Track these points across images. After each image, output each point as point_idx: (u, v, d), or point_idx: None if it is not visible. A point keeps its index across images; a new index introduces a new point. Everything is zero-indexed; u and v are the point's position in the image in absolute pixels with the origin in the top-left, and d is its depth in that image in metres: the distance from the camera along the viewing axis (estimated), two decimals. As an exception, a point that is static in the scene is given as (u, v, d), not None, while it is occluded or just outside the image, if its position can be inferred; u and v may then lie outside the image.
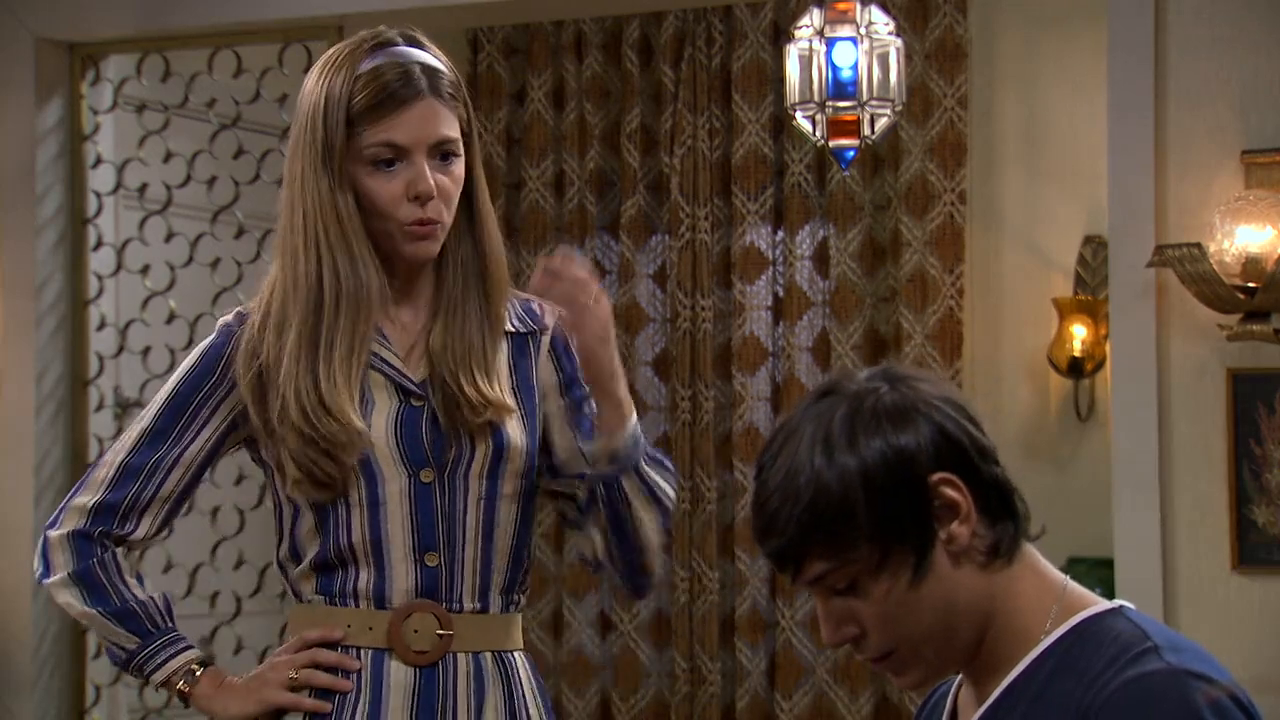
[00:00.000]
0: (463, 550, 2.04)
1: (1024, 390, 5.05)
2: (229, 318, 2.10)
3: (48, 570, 2.07)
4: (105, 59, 4.62)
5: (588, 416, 2.13)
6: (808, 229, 4.99)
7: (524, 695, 2.09)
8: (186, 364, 2.10)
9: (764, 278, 5.00)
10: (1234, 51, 3.74)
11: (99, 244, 4.62)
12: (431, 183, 2.01)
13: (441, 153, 2.03)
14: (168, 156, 4.63)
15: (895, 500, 1.49)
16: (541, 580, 4.99)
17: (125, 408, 4.65)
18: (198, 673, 2.06)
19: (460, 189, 2.05)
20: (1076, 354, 4.94)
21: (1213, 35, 3.76)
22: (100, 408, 4.59)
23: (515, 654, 2.10)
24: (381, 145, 2.01)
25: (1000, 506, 1.53)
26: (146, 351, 4.59)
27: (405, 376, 2.04)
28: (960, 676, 1.62)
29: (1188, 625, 3.70)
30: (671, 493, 2.12)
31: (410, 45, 2.06)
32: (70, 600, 2.06)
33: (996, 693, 1.53)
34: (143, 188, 4.69)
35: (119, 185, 4.69)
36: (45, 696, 4.43)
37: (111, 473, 2.07)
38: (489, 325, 2.06)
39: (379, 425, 2.02)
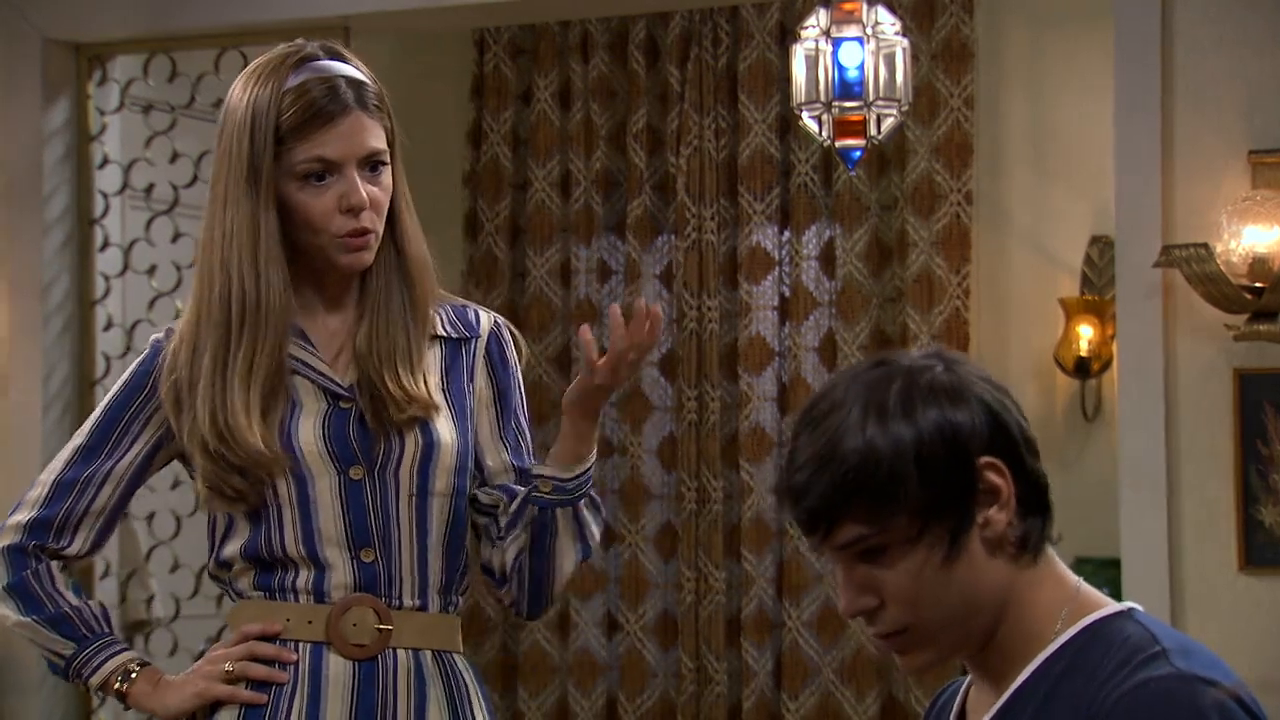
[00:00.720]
0: (398, 547, 2.06)
1: (1030, 390, 5.04)
2: (160, 334, 2.14)
3: None
4: (112, 59, 4.62)
5: (515, 432, 2.15)
6: (814, 229, 4.98)
7: (468, 696, 2.10)
8: (120, 381, 2.15)
9: (770, 278, 4.99)
10: (1241, 51, 3.73)
11: (105, 244, 4.63)
12: (364, 194, 2.04)
13: (371, 164, 2.06)
14: (174, 157, 4.64)
15: (943, 476, 1.49)
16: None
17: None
18: (134, 673, 2.08)
19: (389, 196, 2.08)
20: (1083, 354, 4.93)
21: (1219, 35, 3.75)
22: (107, 408, 4.60)
23: (456, 656, 2.11)
24: (312, 160, 2.03)
25: (1035, 501, 1.55)
26: (153, 352, 4.59)
27: (332, 381, 2.07)
28: (969, 678, 1.62)
29: (1194, 625, 3.70)
30: (598, 534, 2.14)
31: (332, 59, 2.09)
32: (6, 612, 2.10)
33: (1006, 696, 1.53)
34: (149, 188, 4.70)
35: (125, 185, 4.69)
36: (52, 697, 4.43)
37: (45, 490, 2.11)
38: (414, 325, 2.09)
39: (307, 428, 2.05)
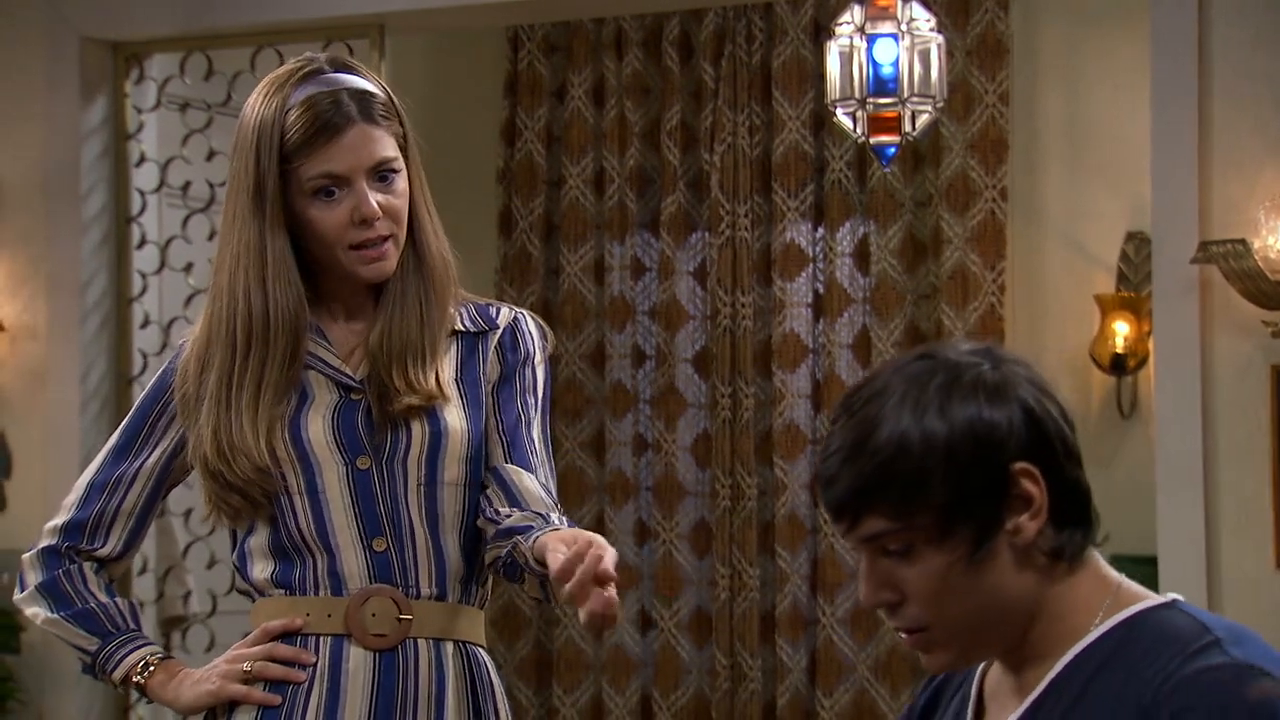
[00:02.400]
0: (410, 536, 2.06)
1: (1066, 387, 5.02)
2: (189, 333, 2.16)
3: (22, 588, 2.15)
4: (149, 58, 4.65)
5: (513, 394, 2.11)
6: (848, 226, 4.98)
7: (489, 688, 2.10)
8: (150, 384, 2.17)
9: (804, 275, 4.99)
10: (1278, 47, 3.71)
11: (142, 242, 4.65)
12: (374, 205, 2.04)
13: (380, 174, 2.05)
14: (210, 155, 4.66)
15: (973, 477, 1.46)
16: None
17: (168, 405, 4.69)
18: (152, 666, 2.09)
19: (406, 202, 2.08)
20: (1119, 351, 4.91)
21: (1256, 31, 3.73)
22: (144, 405, 4.63)
23: (479, 649, 2.11)
24: (320, 176, 2.03)
25: (1073, 512, 1.51)
26: (190, 349, 4.61)
27: (343, 374, 2.08)
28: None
29: (1231, 623, 3.68)
30: None
31: (339, 71, 2.08)
32: (37, 610, 2.12)
33: (1040, 688, 1.50)
34: (186, 186, 4.72)
35: (162, 183, 4.72)
36: (91, 692, 4.46)
37: (80, 494, 2.14)
38: (429, 322, 2.09)
39: (316, 419, 2.06)
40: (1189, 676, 1.42)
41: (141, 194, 4.65)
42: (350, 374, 2.08)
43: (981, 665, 1.60)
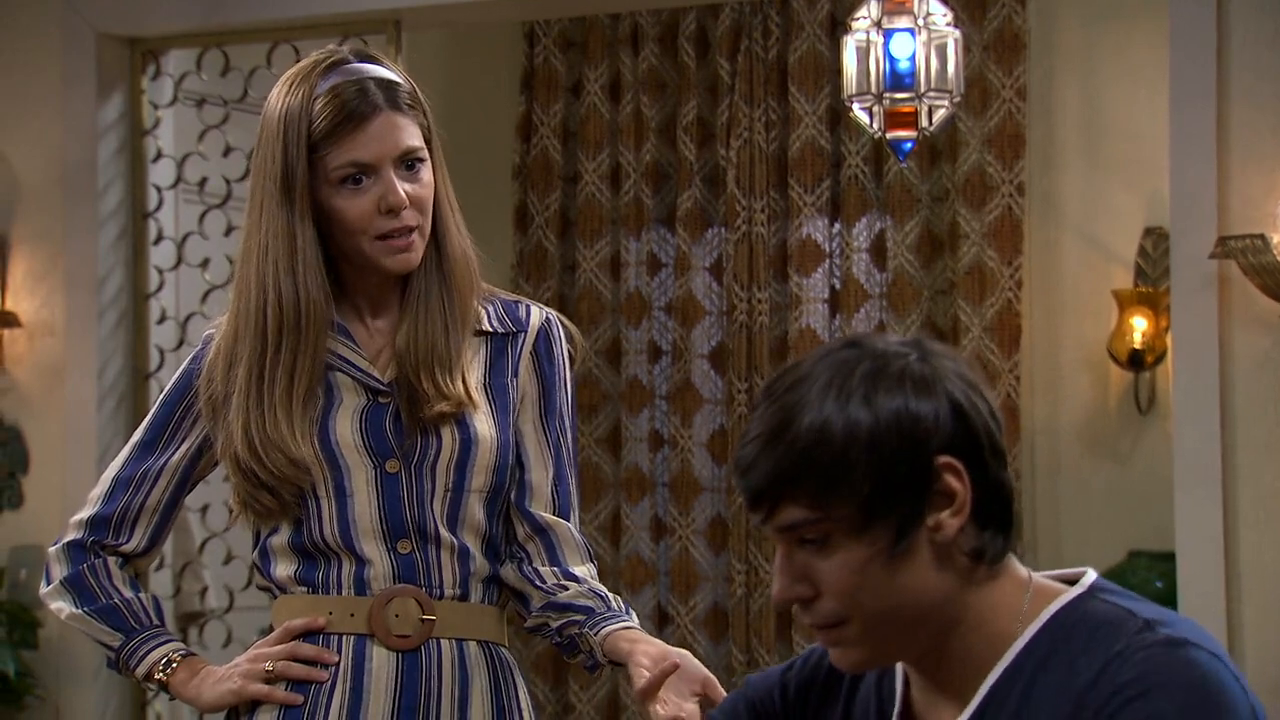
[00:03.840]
0: (435, 539, 2.05)
1: (1084, 383, 5.01)
2: (213, 328, 2.14)
3: (48, 582, 2.14)
4: (165, 54, 4.65)
5: (557, 432, 2.11)
6: (865, 221, 4.97)
7: (514, 688, 2.09)
8: (173, 378, 2.16)
9: (821, 270, 4.98)
10: (1297, 40, 3.70)
11: (159, 238, 4.66)
12: (402, 194, 2.02)
13: (407, 162, 2.04)
14: (227, 150, 4.66)
15: (895, 468, 1.41)
16: (599, 573, 4.99)
17: (185, 400, 4.69)
18: (175, 663, 2.09)
19: (431, 193, 2.07)
20: (1137, 346, 4.90)
21: (1276, 26, 3.72)
22: (161, 401, 4.63)
23: (501, 649, 2.11)
24: (347, 165, 2.02)
25: (996, 512, 1.46)
26: (206, 345, 4.62)
27: (371, 377, 2.07)
28: (904, 669, 1.55)
29: (1251, 619, 3.67)
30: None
31: (364, 61, 2.07)
32: (61, 605, 2.11)
33: (977, 700, 1.46)
34: (202, 182, 4.72)
35: (179, 179, 4.72)
36: (108, 687, 4.47)
37: (105, 488, 2.14)
38: (453, 324, 2.08)
39: (344, 421, 2.05)
40: (1127, 658, 1.40)
41: (158, 190, 4.66)
42: (378, 376, 2.07)
43: (902, 676, 1.55)
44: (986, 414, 1.46)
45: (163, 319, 4.66)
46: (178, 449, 2.12)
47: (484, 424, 2.06)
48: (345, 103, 2.02)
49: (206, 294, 4.66)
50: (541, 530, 2.10)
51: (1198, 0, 3.79)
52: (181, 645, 2.11)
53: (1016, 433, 4.83)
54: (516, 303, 2.16)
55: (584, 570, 2.11)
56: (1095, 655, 1.42)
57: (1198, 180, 3.76)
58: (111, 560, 2.12)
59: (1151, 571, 4.58)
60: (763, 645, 4.91)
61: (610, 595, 2.09)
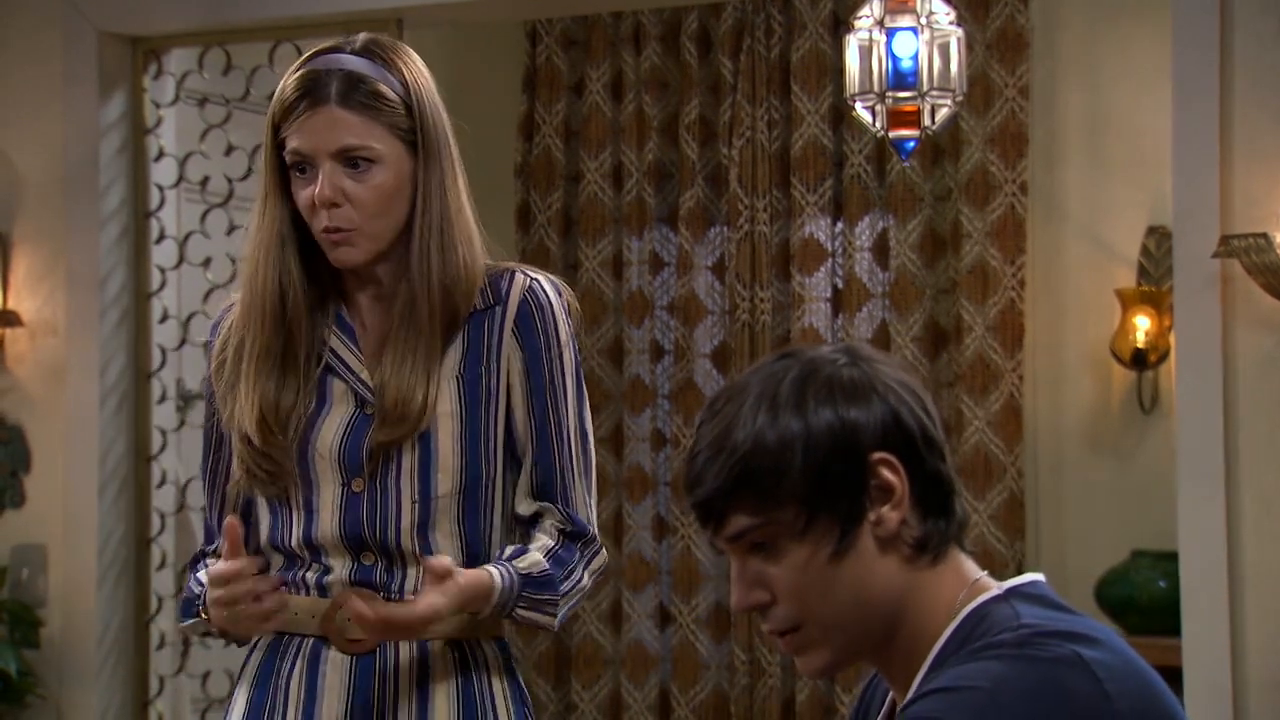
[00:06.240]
0: (397, 548, 2.04)
1: (1086, 382, 5.01)
2: (210, 334, 2.18)
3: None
4: (167, 53, 4.64)
5: (544, 408, 2.08)
6: (867, 220, 4.96)
7: (488, 684, 2.07)
8: (204, 408, 2.21)
9: (823, 269, 4.98)
10: (1301, 39, 3.69)
11: (161, 237, 4.65)
12: (328, 190, 2.00)
13: (351, 161, 2.01)
14: (229, 149, 4.66)
15: (831, 468, 1.47)
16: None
17: (187, 400, 4.69)
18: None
19: (382, 198, 2.02)
20: (1140, 345, 4.89)
21: (1278, 24, 3.71)
22: (163, 400, 4.63)
23: (484, 642, 2.08)
24: (291, 151, 2.03)
25: (937, 503, 1.50)
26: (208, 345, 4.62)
27: (364, 385, 2.06)
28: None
29: (1253, 619, 3.67)
30: (554, 615, 2.08)
31: (357, 54, 2.04)
32: (179, 615, 2.18)
33: (909, 695, 1.49)
34: (204, 181, 4.72)
35: (181, 178, 4.72)
36: (109, 687, 4.47)
37: (203, 521, 2.24)
38: (434, 350, 2.04)
39: (328, 431, 2.05)
40: (978, 651, 1.43)
41: (160, 189, 4.65)
42: (368, 383, 2.06)
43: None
44: (919, 409, 1.51)
45: (165, 318, 4.66)
46: (228, 477, 2.15)
47: (445, 425, 2.04)
48: (301, 90, 2.01)
49: (208, 293, 4.66)
50: (521, 523, 2.10)
51: (1201, -1, 3.78)
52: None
53: (1019, 432, 4.83)
54: (501, 274, 2.10)
55: (538, 543, 2.07)
56: (967, 654, 1.44)
57: (1200, 179, 3.75)
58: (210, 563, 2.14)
59: (1154, 571, 4.58)
60: (765, 644, 4.90)
61: (534, 553, 2.05)
